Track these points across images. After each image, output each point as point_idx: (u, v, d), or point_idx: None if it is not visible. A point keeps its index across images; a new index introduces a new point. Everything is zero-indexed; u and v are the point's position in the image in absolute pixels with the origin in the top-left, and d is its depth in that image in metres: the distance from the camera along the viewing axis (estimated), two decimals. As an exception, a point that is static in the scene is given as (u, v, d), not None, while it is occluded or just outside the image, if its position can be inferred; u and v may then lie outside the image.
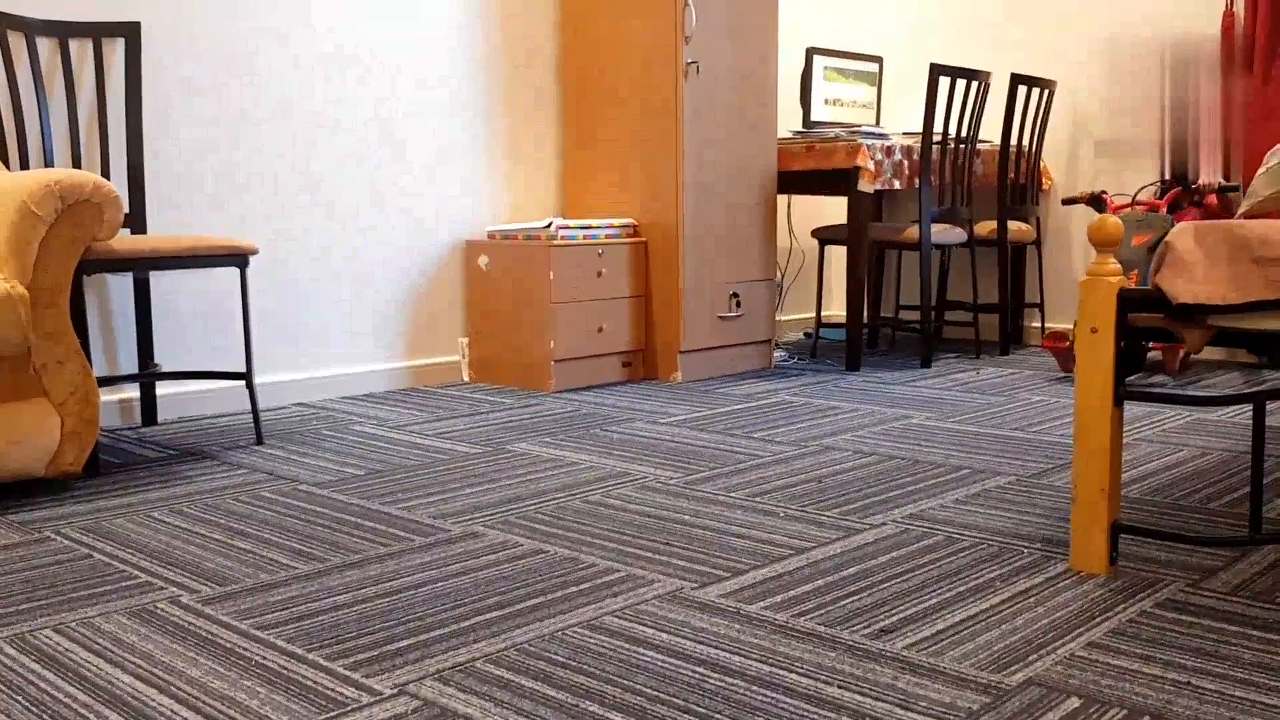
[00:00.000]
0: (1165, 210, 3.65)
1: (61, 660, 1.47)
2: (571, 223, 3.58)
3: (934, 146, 3.97)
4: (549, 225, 3.53)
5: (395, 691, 1.38)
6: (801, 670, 1.43)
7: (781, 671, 1.43)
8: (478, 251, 3.68)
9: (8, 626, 1.58)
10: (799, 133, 4.16)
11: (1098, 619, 1.60)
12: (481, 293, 3.68)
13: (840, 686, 1.38)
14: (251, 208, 3.22)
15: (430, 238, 3.65)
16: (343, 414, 3.16)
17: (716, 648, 1.51)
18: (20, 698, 1.36)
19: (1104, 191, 3.71)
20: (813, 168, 3.97)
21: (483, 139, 3.77)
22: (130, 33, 2.88)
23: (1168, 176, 3.91)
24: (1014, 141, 4.25)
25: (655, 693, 1.37)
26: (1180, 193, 3.75)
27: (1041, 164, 4.54)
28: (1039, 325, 4.66)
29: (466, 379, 3.74)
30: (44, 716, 1.31)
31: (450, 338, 3.73)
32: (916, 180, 4.06)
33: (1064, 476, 2.42)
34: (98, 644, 1.52)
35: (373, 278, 3.51)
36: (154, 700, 1.35)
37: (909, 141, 4.11)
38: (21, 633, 1.56)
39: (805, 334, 4.93)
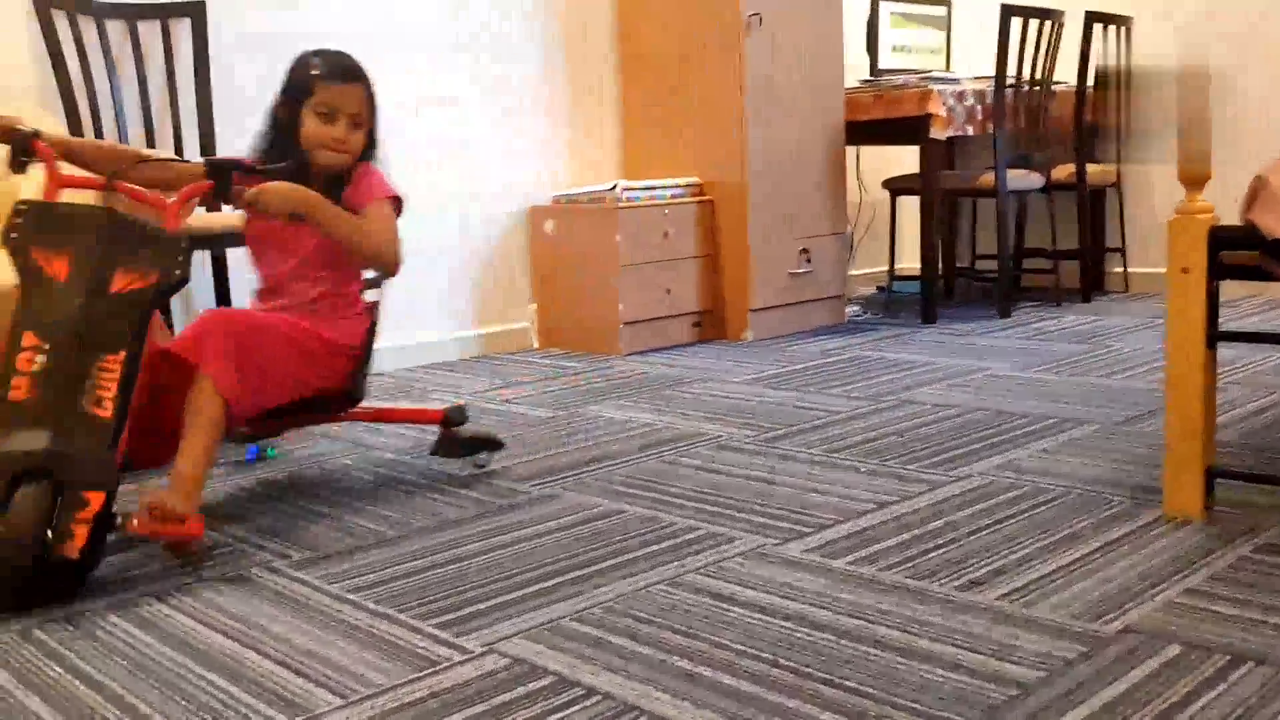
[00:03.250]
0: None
1: (162, 626, 1.51)
2: (636, 184, 3.56)
3: (1007, 90, 3.85)
4: (614, 188, 3.51)
5: (485, 650, 1.39)
6: (891, 623, 1.42)
7: (871, 625, 1.41)
8: (543, 217, 3.67)
9: (109, 595, 1.63)
10: (866, 82, 4.07)
11: (1195, 565, 1.56)
12: (548, 258, 3.68)
13: (932, 639, 1.36)
14: (321, 181, 3.25)
15: (495, 205, 3.65)
16: (417, 382, 3.19)
17: (803, 602, 1.49)
18: (123, 661, 1.40)
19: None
20: (881, 117, 3.88)
21: (544, 105, 3.75)
22: (196, 13, 2.91)
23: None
24: (1090, 82, 4.11)
25: (743, 647, 1.36)
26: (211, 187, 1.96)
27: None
28: (1121, 270, 4.53)
29: (536, 345, 3.75)
30: (148, 680, 1.35)
31: (519, 305, 3.74)
32: (989, 126, 3.95)
33: (1153, 423, 2.35)
34: (195, 609, 1.56)
35: (440, 248, 3.53)
36: (251, 660, 1.38)
37: (981, 86, 4.00)
38: (123, 599, 1.60)
39: (879, 288, 4.85)
